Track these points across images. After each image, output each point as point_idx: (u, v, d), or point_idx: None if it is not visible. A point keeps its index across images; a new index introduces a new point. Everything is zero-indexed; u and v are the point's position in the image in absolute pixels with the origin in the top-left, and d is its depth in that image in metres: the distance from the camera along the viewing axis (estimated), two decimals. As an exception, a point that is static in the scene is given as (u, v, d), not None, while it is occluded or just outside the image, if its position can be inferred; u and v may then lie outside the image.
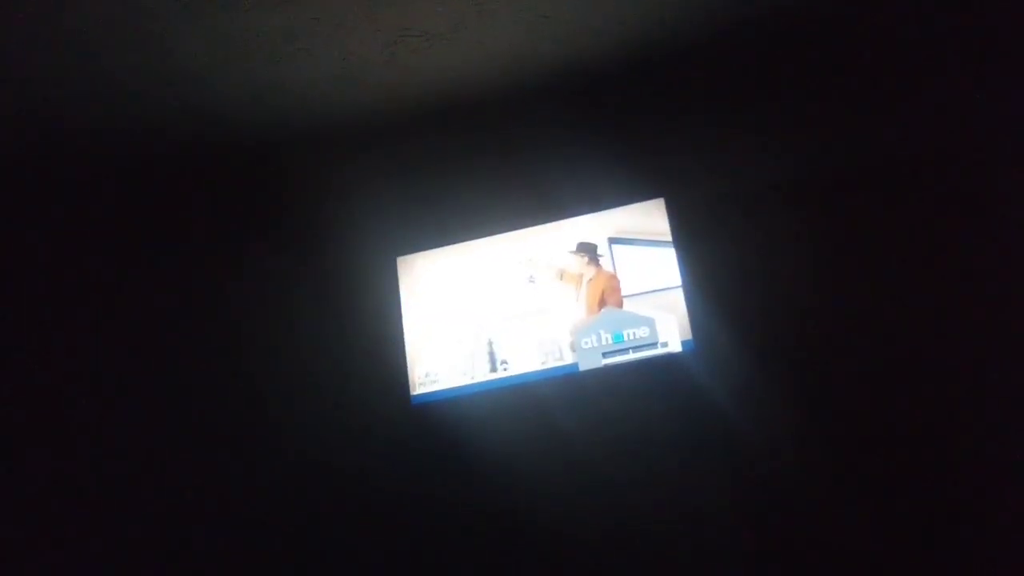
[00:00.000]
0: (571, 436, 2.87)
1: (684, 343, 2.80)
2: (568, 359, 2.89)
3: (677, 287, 2.84)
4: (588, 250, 2.98)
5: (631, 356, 2.83)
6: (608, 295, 2.92)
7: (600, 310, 2.91)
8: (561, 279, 2.99)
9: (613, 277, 2.93)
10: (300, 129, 3.01)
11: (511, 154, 3.17)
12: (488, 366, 2.97)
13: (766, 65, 2.99)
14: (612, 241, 2.96)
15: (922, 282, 2.74)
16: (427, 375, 3.00)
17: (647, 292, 2.88)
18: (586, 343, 2.89)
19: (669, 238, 2.89)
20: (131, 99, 2.71)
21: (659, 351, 2.81)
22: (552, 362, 2.91)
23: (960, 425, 2.58)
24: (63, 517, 3.11)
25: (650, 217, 2.93)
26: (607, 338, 2.87)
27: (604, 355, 2.86)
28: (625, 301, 2.90)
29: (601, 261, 2.96)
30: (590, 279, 2.96)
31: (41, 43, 2.39)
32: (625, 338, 2.85)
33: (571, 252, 2.99)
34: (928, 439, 2.59)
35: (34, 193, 3.16)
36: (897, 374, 2.67)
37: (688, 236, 2.90)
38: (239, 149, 3.09)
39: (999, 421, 2.54)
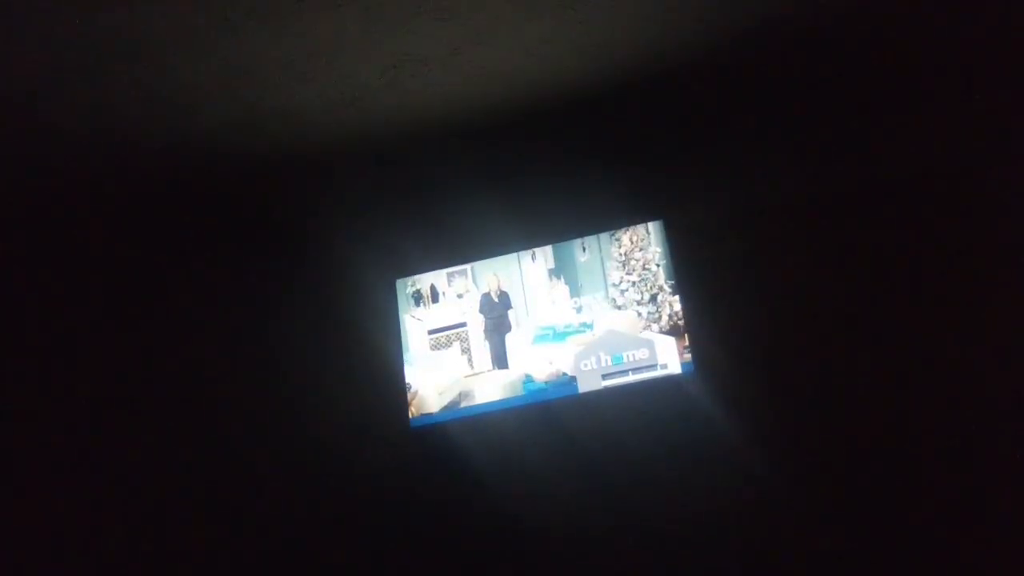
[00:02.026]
0: (571, 457, 2.88)
1: (683, 365, 2.80)
2: (568, 380, 2.89)
3: (676, 309, 2.85)
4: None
5: (631, 378, 2.84)
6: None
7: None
8: (558, 300, 2.99)
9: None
10: (299, 153, 2.99)
11: (509, 177, 3.17)
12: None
13: (764, 87, 3.00)
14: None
15: (922, 300, 2.76)
16: (426, 398, 3.00)
17: (644, 314, 2.89)
18: (586, 365, 2.89)
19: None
20: (130, 123, 2.69)
21: (658, 373, 2.82)
22: (552, 384, 2.90)
23: (961, 442, 2.60)
24: (58, 518, 3.13)
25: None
26: (607, 360, 2.88)
27: (604, 377, 2.87)
28: (625, 323, 2.90)
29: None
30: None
31: (39, 68, 2.37)
32: (625, 360, 2.86)
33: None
34: (929, 458, 2.60)
35: (36, 217, 3.15)
36: (898, 394, 2.69)
37: (686, 258, 2.91)
38: (237, 173, 3.08)
39: (1000, 444, 2.55)
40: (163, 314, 3.36)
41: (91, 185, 3.00)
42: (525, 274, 3.05)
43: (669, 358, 2.82)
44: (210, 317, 3.33)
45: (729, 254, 2.93)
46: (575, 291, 2.99)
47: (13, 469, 3.24)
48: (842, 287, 2.82)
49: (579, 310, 2.97)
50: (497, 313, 3.06)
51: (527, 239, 3.05)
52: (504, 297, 3.06)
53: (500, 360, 3.01)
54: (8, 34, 2.22)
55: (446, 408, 2.99)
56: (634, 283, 2.92)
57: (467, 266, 3.10)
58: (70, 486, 3.18)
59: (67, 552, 3.10)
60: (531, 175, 3.16)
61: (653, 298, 2.89)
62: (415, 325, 3.10)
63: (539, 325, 3.00)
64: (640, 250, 2.93)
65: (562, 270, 3.01)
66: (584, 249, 3.00)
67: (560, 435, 2.90)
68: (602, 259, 2.97)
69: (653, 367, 2.83)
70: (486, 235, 3.11)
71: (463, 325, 3.08)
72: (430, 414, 2.99)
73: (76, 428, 3.26)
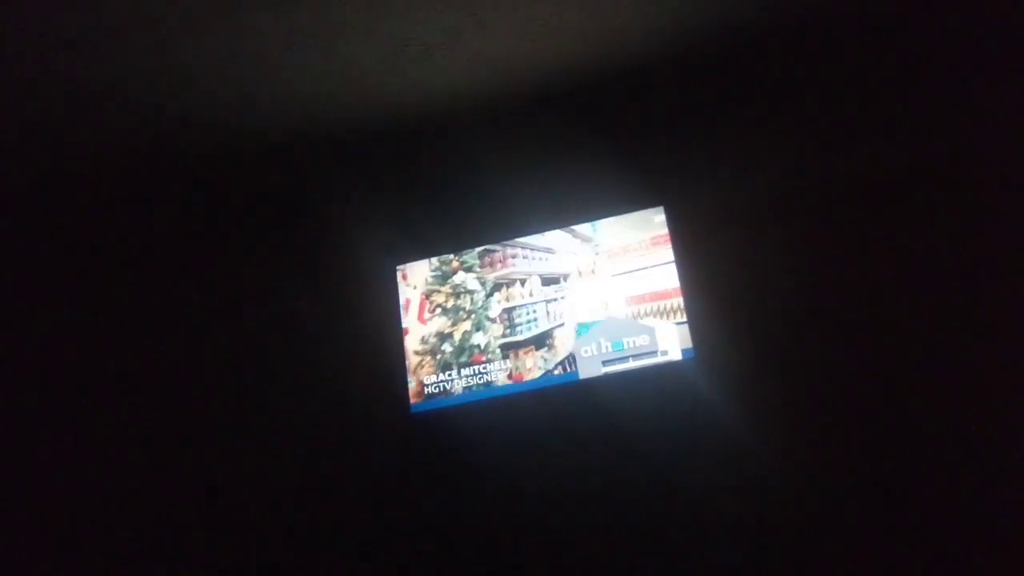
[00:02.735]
0: (571, 444, 2.88)
1: (684, 351, 2.80)
2: (568, 367, 2.89)
3: (677, 295, 2.85)
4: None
5: (631, 364, 2.84)
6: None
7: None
8: (560, 286, 2.99)
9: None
10: (299, 138, 3.00)
11: (510, 163, 3.17)
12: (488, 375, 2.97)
13: (765, 74, 3.00)
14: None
15: (921, 290, 2.74)
16: (427, 385, 3.01)
17: (647, 300, 2.89)
18: (586, 351, 2.89)
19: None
20: (131, 106, 2.70)
21: (659, 359, 2.82)
22: (552, 370, 2.91)
23: (958, 430, 2.58)
24: (59, 518, 3.13)
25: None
26: (607, 346, 2.88)
27: (604, 363, 2.86)
28: (626, 309, 2.90)
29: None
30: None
31: (39, 51, 2.37)
32: (625, 346, 2.86)
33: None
34: (928, 447, 2.59)
35: (35, 200, 3.15)
36: (897, 382, 2.68)
37: (688, 244, 2.91)
38: (237, 157, 3.08)
39: (998, 430, 2.55)
40: (160, 300, 3.37)
41: (88, 171, 3.00)
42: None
43: (670, 345, 2.82)
44: (208, 303, 3.34)
45: (730, 241, 2.92)
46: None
47: (15, 469, 3.24)
48: (843, 275, 2.81)
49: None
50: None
51: (528, 225, 3.05)
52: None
53: (501, 346, 3.02)
54: (10, 21, 2.22)
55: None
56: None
57: (467, 252, 3.10)
58: (68, 480, 3.19)
59: (64, 550, 3.11)
60: (532, 161, 3.15)
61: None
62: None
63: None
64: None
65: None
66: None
67: (560, 421, 2.90)
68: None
69: (654, 353, 2.83)
70: (486, 221, 3.11)
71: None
72: (430, 400, 3.00)
73: (73, 419, 3.26)
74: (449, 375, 2.98)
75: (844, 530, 2.59)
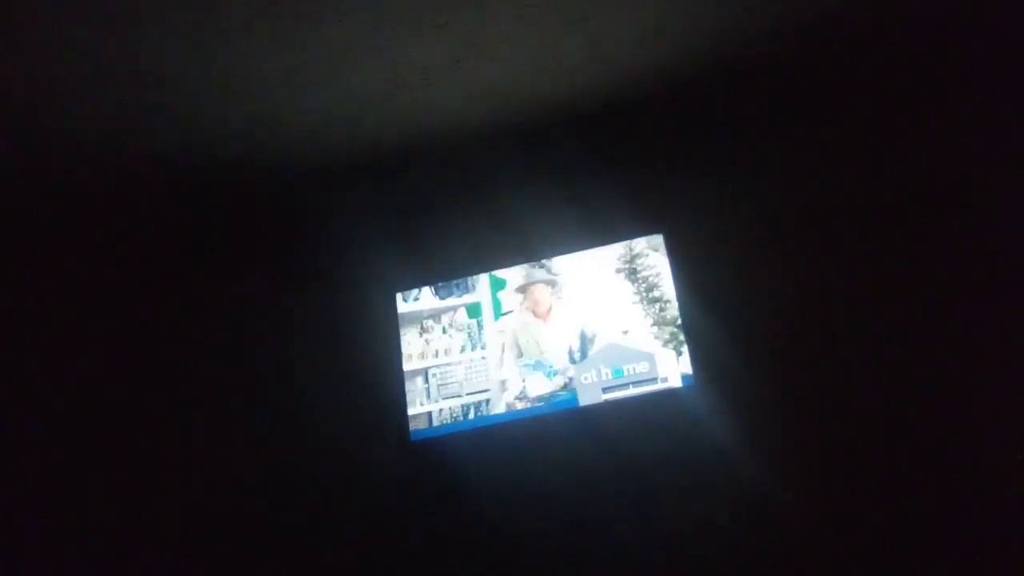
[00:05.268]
0: (571, 471, 2.87)
1: (684, 378, 2.80)
2: (568, 394, 2.89)
3: (676, 322, 2.85)
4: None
5: (631, 391, 2.83)
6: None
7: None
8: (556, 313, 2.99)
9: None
10: (299, 166, 3.00)
11: (510, 190, 3.18)
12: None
13: (762, 102, 3.02)
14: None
15: (922, 313, 2.75)
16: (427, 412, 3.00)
17: (647, 327, 2.89)
18: (586, 378, 2.89)
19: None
20: (130, 134, 2.70)
21: (659, 386, 2.82)
22: (553, 397, 2.90)
23: (969, 448, 2.58)
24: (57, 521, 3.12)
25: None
26: (607, 373, 2.87)
27: (604, 390, 2.86)
28: (626, 336, 2.90)
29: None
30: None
31: (39, 78, 2.38)
32: (625, 373, 2.86)
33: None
34: (932, 474, 2.59)
35: (37, 230, 3.14)
36: (899, 406, 2.68)
37: (687, 271, 2.92)
38: (238, 185, 3.08)
39: (997, 454, 2.55)
40: (163, 326, 3.36)
41: (92, 195, 3.00)
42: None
43: (669, 371, 2.82)
44: (209, 329, 3.32)
45: (729, 268, 2.93)
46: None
47: (19, 474, 3.22)
48: (844, 301, 2.82)
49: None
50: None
51: (528, 253, 3.06)
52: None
53: (500, 373, 3.00)
54: (20, 46, 2.22)
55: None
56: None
57: (467, 279, 3.11)
58: (66, 489, 3.17)
59: (64, 554, 3.09)
60: (532, 189, 3.16)
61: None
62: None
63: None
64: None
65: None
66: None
67: (560, 448, 2.89)
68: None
69: (653, 380, 2.83)
70: (487, 249, 3.11)
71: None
72: (430, 427, 2.98)
73: (74, 434, 3.24)
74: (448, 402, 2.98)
75: (847, 556, 2.58)
